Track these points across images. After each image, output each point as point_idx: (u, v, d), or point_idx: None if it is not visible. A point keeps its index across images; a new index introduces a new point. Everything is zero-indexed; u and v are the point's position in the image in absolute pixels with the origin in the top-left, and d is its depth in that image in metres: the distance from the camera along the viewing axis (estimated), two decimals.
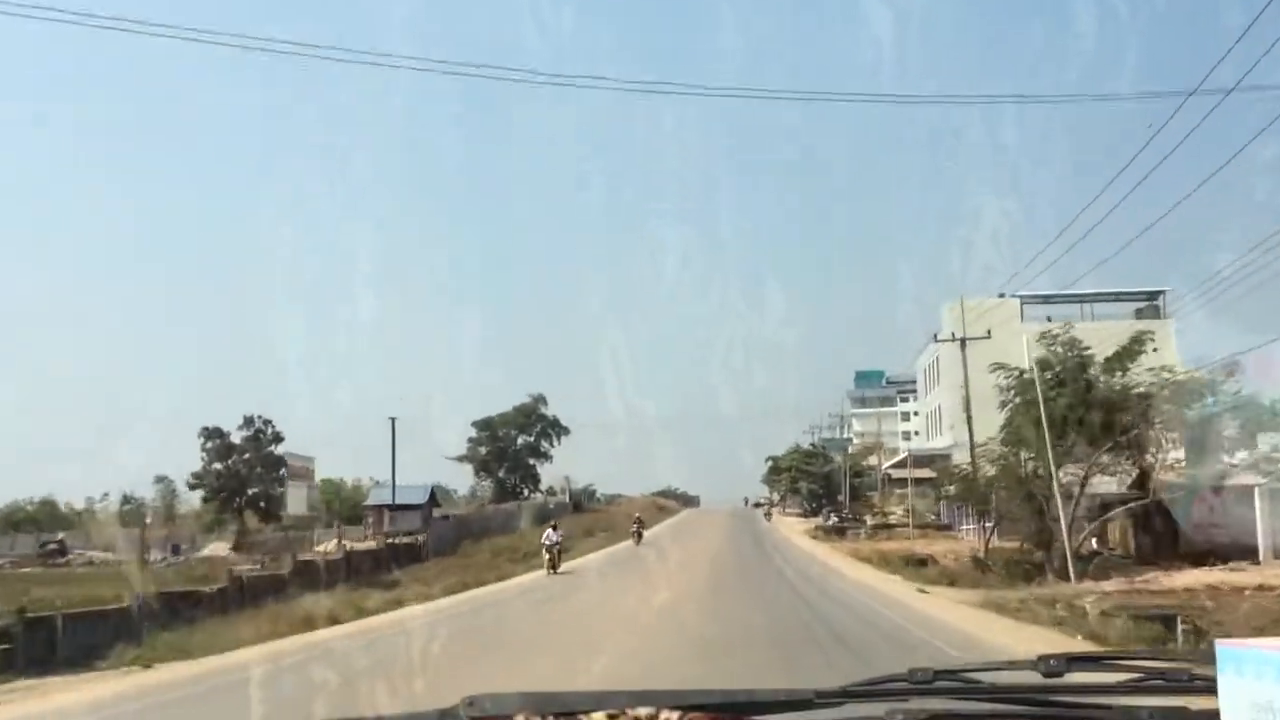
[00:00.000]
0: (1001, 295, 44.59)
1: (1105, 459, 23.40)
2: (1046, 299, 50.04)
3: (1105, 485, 25.34)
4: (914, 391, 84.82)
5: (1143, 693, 1.57)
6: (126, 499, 72.08)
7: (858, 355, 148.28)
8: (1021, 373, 24.70)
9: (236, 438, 54.51)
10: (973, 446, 30.75)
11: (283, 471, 29.34)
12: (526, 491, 75.37)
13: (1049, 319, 51.22)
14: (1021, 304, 49.50)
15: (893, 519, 54.19)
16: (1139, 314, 48.54)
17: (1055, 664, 1.60)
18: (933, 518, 51.23)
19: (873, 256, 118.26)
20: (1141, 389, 22.96)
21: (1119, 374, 23.98)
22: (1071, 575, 20.26)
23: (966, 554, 29.53)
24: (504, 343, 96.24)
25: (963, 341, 33.15)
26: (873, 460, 70.80)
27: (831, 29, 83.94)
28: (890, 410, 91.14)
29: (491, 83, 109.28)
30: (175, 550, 38.27)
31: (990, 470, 28.01)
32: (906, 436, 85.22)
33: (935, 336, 37.31)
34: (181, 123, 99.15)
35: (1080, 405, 22.61)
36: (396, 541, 34.96)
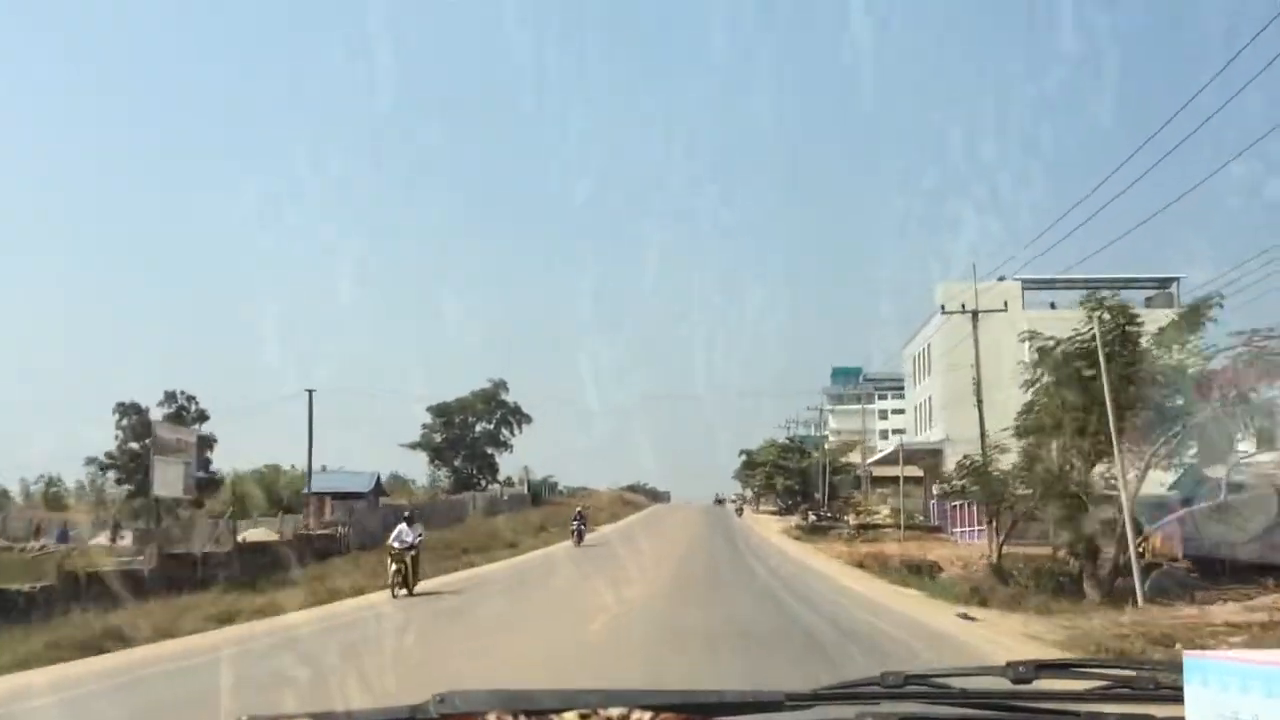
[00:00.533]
0: (1001, 279, 40.55)
1: (1163, 450, 19.10)
2: (1049, 283, 46.39)
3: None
4: (893, 389, 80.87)
5: (1110, 700, 1.54)
6: (52, 481, 67.72)
7: (835, 352, 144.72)
8: (1058, 342, 20.35)
9: (158, 414, 50.10)
10: (983, 435, 26.41)
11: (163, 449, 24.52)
12: (484, 482, 70.88)
13: (1053, 305, 47.35)
14: (1023, 288, 45.63)
15: (876, 519, 50.05)
16: (1149, 302, 44.62)
17: (1024, 670, 1.57)
18: (920, 518, 47.14)
19: (853, 251, 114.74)
20: (1214, 362, 18.72)
21: (1177, 348, 19.74)
22: (1139, 595, 15.83)
23: (975, 560, 25.26)
24: (467, 329, 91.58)
25: (974, 314, 28.75)
26: (853, 457, 66.47)
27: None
28: (870, 407, 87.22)
29: (461, 64, 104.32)
30: (63, 537, 33.31)
31: (1007, 462, 23.72)
32: (884, 435, 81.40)
33: (942, 308, 32.94)
34: (107, 95, 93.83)
35: (1144, 381, 18.27)
36: (310, 533, 30.16)
